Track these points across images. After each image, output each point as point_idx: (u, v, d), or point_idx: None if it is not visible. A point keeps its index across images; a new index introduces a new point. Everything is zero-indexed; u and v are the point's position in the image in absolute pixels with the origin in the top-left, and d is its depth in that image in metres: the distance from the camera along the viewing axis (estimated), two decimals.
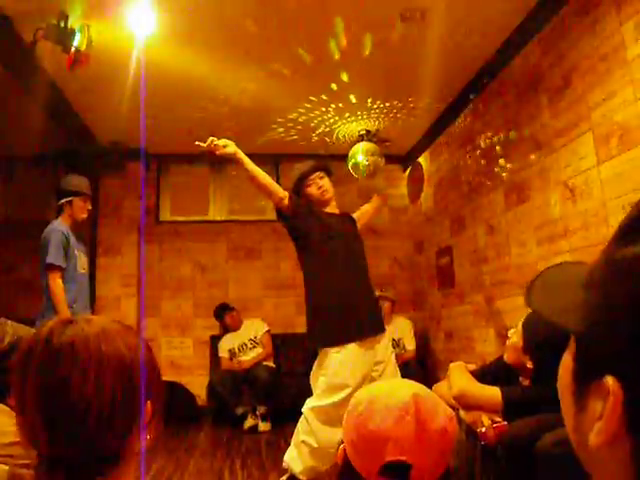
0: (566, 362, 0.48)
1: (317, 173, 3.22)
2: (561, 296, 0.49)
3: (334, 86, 4.63)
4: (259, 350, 5.48)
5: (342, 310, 2.91)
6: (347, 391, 2.78)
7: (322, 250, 3.03)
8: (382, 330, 3.03)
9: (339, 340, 2.87)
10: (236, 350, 5.48)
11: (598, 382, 0.42)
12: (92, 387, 0.78)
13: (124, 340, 0.86)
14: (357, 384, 2.79)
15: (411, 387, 0.99)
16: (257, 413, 5.06)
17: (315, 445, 2.84)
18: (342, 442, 1.02)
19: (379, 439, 0.92)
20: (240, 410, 5.11)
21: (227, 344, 5.55)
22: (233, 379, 5.23)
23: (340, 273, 2.98)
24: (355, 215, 3.45)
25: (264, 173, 3.01)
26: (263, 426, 4.98)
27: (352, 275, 3.01)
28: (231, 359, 5.44)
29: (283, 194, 3.02)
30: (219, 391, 5.20)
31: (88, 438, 0.79)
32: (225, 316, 5.62)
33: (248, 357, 5.41)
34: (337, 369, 2.84)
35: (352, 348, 2.85)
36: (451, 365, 2.41)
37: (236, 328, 5.60)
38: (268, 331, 5.64)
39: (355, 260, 3.07)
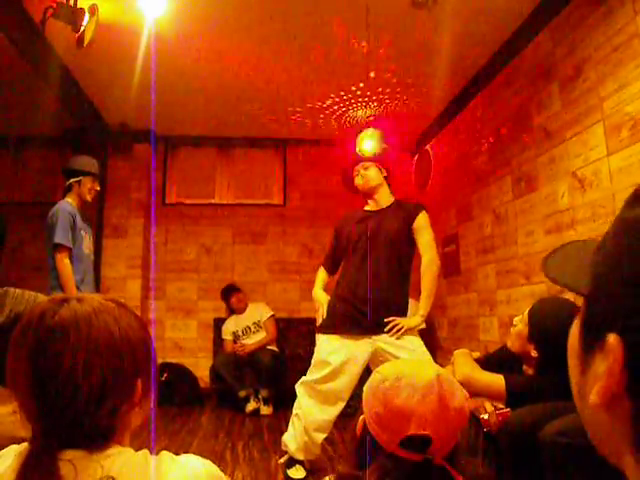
0: (574, 328, 0.48)
1: (362, 164, 3.21)
2: (575, 262, 0.50)
3: (343, 71, 4.60)
4: (262, 334, 5.50)
5: (338, 308, 3.04)
6: (328, 369, 2.91)
7: (344, 259, 3.20)
8: (375, 332, 2.94)
9: (324, 330, 3.04)
10: (240, 333, 5.51)
11: (602, 342, 0.41)
12: (82, 368, 0.80)
13: (116, 320, 0.87)
14: (339, 364, 2.90)
15: (434, 368, 1.09)
16: (259, 397, 5.10)
17: (303, 422, 2.94)
18: (361, 414, 1.10)
19: (404, 413, 1.00)
20: (243, 393, 5.14)
21: (231, 327, 5.57)
22: (236, 362, 5.26)
23: (348, 278, 3.09)
24: (416, 230, 3.08)
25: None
26: (265, 410, 5.02)
27: (360, 278, 3.02)
28: (235, 342, 5.47)
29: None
30: (222, 374, 5.23)
31: (77, 417, 0.80)
32: (231, 297, 5.64)
33: (251, 341, 5.44)
34: (320, 346, 3.02)
35: (335, 337, 2.98)
36: (455, 352, 2.42)
37: (241, 310, 5.62)
38: (272, 316, 5.64)
39: (369, 263, 3.03)
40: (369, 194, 3.19)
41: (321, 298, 3.17)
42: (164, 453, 0.87)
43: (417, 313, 3.00)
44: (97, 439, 0.83)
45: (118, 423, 0.86)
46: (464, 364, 2.27)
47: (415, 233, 3.06)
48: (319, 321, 3.08)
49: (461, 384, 2.13)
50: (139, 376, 0.88)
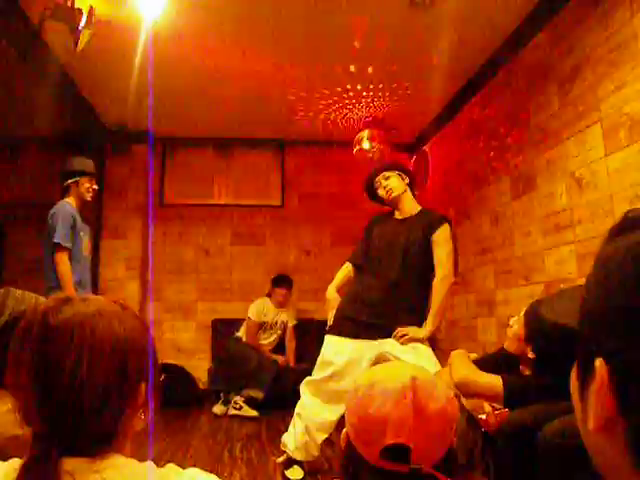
0: (574, 367, 0.50)
1: (382, 174, 3.18)
2: (569, 304, 0.54)
3: (341, 71, 4.60)
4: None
5: (347, 310, 3.04)
6: (332, 369, 2.92)
7: (363, 261, 3.18)
8: (382, 335, 2.95)
9: (332, 330, 3.06)
10: (268, 326, 5.48)
11: (592, 370, 0.43)
12: (85, 369, 0.78)
13: (121, 321, 0.85)
14: (343, 365, 2.91)
15: (410, 371, 0.99)
16: (241, 399, 5.05)
17: (305, 421, 2.95)
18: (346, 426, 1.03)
19: (378, 422, 0.93)
20: (233, 396, 5.09)
21: (264, 312, 5.49)
22: (256, 357, 5.20)
23: (362, 282, 3.11)
24: (434, 244, 3.03)
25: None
26: (250, 412, 4.97)
27: (373, 283, 3.03)
28: (258, 329, 5.45)
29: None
30: (236, 363, 5.14)
31: (80, 418, 0.78)
32: (279, 288, 5.52)
33: (269, 339, 5.48)
34: (326, 347, 3.04)
35: (341, 338, 2.99)
36: (453, 353, 2.42)
37: (278, 305, 5.55)
38: (295, 326, 5.65)
39: (383, 270, 3.03)
40: (394, 204, 3.18)
41: (332, 300, 3.14)
42: (170, 466, 0.85)
43: (424, 327, 2.96)
44: (98, 444, 0.81)
45: (120, 428, 0.84)
46: (461, 365, 2.27)
47: (433, 245, 3.01)
48: (329, 323, 3.10)
49: (458, 385, 2.14)
50: (143, 379, 0.86)
